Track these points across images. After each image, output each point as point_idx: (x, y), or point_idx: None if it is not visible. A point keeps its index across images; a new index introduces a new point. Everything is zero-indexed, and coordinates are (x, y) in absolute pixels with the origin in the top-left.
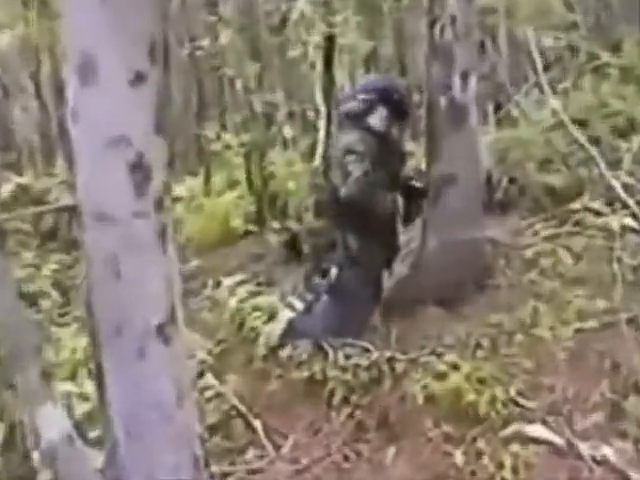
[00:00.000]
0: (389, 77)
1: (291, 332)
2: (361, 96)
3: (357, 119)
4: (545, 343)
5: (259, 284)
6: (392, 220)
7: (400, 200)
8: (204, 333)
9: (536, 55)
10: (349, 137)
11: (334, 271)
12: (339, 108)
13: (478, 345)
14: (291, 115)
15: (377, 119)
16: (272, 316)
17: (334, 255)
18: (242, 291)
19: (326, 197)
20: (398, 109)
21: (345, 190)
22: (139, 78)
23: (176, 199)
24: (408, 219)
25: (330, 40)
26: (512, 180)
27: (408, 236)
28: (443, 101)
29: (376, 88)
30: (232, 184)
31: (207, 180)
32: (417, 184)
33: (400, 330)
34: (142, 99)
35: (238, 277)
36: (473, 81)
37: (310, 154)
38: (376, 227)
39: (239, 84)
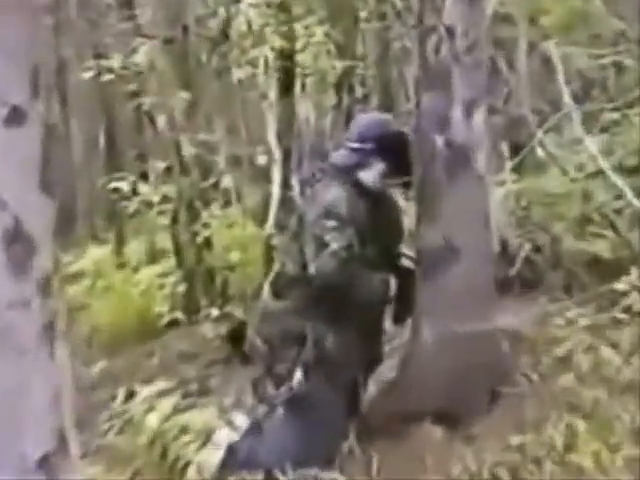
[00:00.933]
0: (387, 120)
1: (233, 460)
2: (353, 144)
3: (344, 173)
4: (586, 474)
5: (189, 395)
6: (379, 311)
7: (393, 285)
8: (112, 464)
9: (561, 78)
10: (331, 194)
11: (298, 375)
12: (325, 157)
13: (494, 477)
14: (235, 161)
15: (371, 175)
16: (207, 439)
17: (298, 353)
18: (166, 405)
19: (290, 273)
20: (399, 164)
21: (318, 266)
22: (16, 116)
23: (76, 276)
24: (399, 316)
25: (288, 58)
26: (537, 248)
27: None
28: (439, 142)
29: (373, 136)
30: (154, 255)
31: (119, 250)
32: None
33: (384, 457)
34: (20, 144)
35: (160, 385)
36: (480, 114)
37: (262, 213)
38: (357, 318)
39: (163, 119)
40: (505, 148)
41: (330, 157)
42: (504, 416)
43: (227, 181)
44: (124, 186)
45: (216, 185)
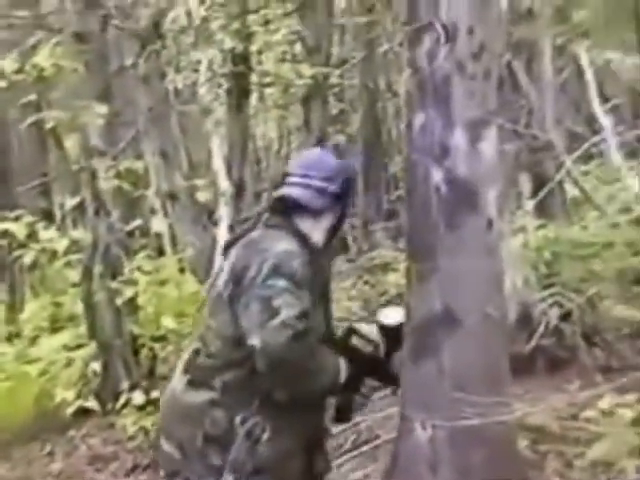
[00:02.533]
0: (348, 161)
1: None
2: (319, 183)
3: (286, 219)
4: None
5: None
6: (323, 405)
7: (344, 371)
8: None
9: (592, 90)
10: (280, 245)
11: None
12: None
13: None
14: (169, 196)
15: (323, 225)
16: None
17: (222, 462)
18: None
19: (215, 352)
20: (346, 214)
21: (264, 339)
22: None
23: None
24: (343, 413)
25: (241, 62)
26: (566, 315)
27: (372, 418)
28: (436, 177)
29: (339, 177)
30: (59, 321)
31: (11, 315)
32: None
33: None
34: None
35: None
36: (491, 140)
37: (204, 266)
38: (302, 414)
39: (73, 140)
40: (525, 184)
41: (273, 195)
42: None
43: (159, 223)
44: (18, 229)
45: (144, 229)
